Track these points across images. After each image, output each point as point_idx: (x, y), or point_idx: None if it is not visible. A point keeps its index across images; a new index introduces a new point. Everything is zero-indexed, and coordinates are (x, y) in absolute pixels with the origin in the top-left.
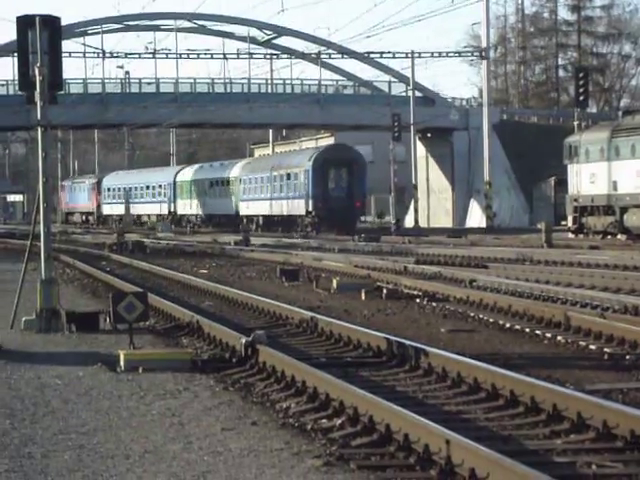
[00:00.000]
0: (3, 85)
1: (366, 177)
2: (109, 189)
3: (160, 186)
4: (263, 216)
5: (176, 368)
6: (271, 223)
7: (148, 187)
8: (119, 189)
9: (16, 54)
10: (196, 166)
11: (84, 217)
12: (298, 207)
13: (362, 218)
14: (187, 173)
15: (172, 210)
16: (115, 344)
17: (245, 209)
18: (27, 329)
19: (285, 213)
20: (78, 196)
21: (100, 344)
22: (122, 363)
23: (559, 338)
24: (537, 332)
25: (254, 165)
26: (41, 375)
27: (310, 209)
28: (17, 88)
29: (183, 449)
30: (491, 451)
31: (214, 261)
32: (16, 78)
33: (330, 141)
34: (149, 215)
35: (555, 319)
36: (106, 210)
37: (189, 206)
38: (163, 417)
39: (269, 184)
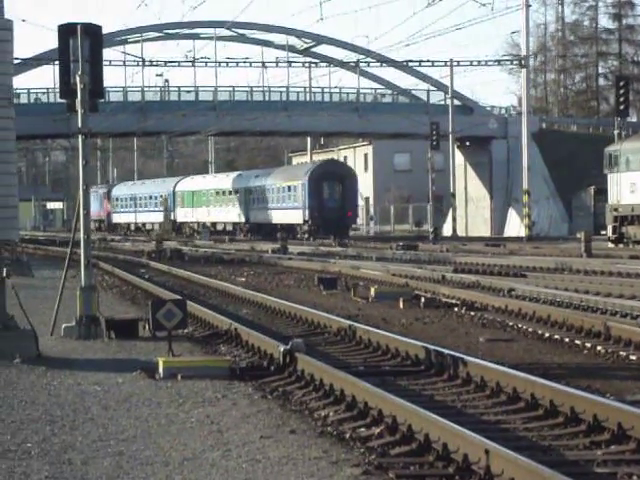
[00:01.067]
0: (44, 93)
1: (357, 189)
2: (117, 199)
3: (161, 196)
4: (264, 224)
5: (214, 376)
6: (272, 230)
7: (151, 197)
8: (126, 198)
9: (57, 62)
10: (197, 177)
11: (97, 225)
12: (296, 216)
13: (353, 225)
14: (185, 184)
15: (172, 218)
16: (154, 351)
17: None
18: (67, 336)
19: (285, 222)
20: (96, 205)
21: (139, 351)
22: (161, 370)
23: (599, 348)
24: (577, 342)
25: (259, 178)
26: (81, 382)
27: (307, 218)
28: (58, 96)
29: (222, 457)
30: (531, 461)
31: (252, 269)
32: (57, 86)
33: (369, 149)
34: (152, 223)
35: (595, 329)
36: (115, 218)
37: (190, 214)
38: (202, 424)
39: (271, 195)
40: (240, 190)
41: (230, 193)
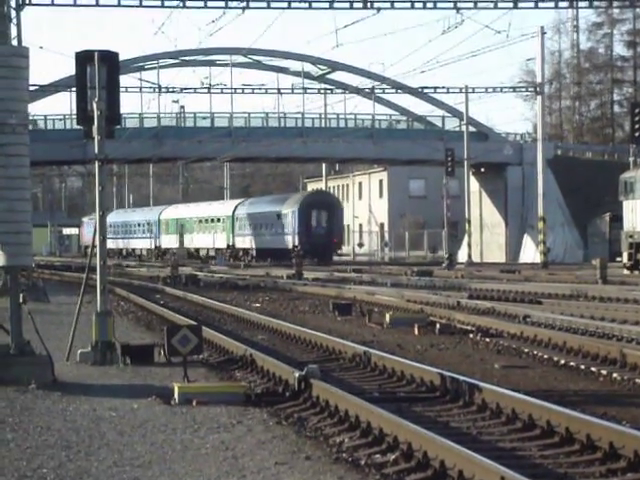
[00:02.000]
0: (61, 119)
1: (342, 218)
2: (110, 225)
3: (148, 223)
4: (256, 249)
5: (230, 401)
6: (263, 255)
7: (139, 224)
8: (118, 225)
9: (74, 89)
10: (180, 206)
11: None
12: (286, 242)
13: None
14: (170, 212)
15: (157, 245)
16: (169, 377)
17: (241, 243)
18: (82, 361)
19: (275, 247)
20: (91, 231)
21: (154, 377)
22: (176, 396)
23: (615, 375)
24: (592, 369)
25: (249, 206)
26: (96, 407)
27: (296, 243)
28: (74, 122)
29: None
30: None
31: (267, 294)
32: (73, 112)
33: (384, 175)
34: (141, 249)
35: (611, 356)
36: (109, 244)
37: (174, 241)
38: (217, 450)
39: (262, 222)
40: (224, 218)
41: (213, 221)
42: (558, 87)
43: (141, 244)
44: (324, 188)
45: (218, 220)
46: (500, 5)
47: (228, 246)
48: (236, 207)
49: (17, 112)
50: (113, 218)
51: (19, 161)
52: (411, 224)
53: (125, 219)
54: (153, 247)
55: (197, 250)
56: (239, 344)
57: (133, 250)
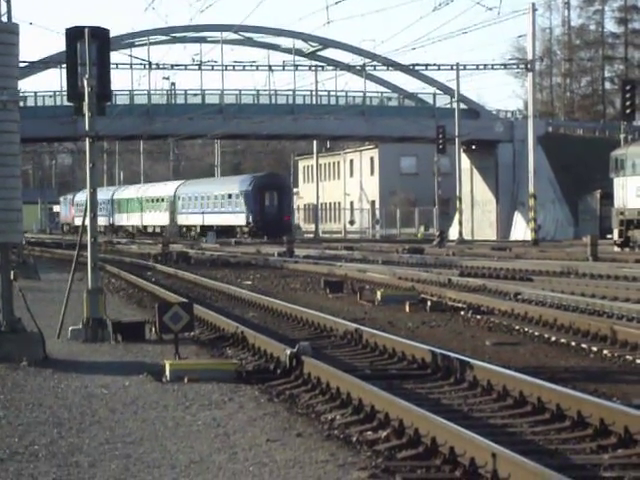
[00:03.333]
0: (51, 96)
1: (292, 198)
2: (77, 204)
3: (104, 202)
4: (212, 225)
5: (221, 379)
6: (218, 232)
7: (101, 203)
8: (83, 204)
9: (65, 65)
10: (131, 187)
11: (66, 228)
12: (238, 220)
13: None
14: (121, 193)
15: (111, 222)
16: (160, 354)
17: (184, 220)
18: (74, 338)
19: (228, 224)
20: (65, 210)
21: (146, 354)
22: (168, 373)
23: (605, 352)
24: (583, 346)
25: (193, 186)
26: (88, 384)
27: (250, 221)
28: (65, 99)
29: (229, 460)
30: (538, 465)
31: (258, 272)
32: (64, 89)
33: (375, 153)
34: (101, 226)
35: (601, 333)
36: (76, 222)
37: (125, 219)
38: (209, 427)
39: (217, 201)
40: (179, 196)
41: (159, 200)
42: (549, 64)
43: (101, 221)
44: (315, 165)
45: (162, 200)
46: None
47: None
48: (177, 188)
49: (7, 89)
50: (79, 197)
51: (9, 138)
52: (402, 201)
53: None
54: (108, 224)
55: (145, 227)
56: (230, 321)
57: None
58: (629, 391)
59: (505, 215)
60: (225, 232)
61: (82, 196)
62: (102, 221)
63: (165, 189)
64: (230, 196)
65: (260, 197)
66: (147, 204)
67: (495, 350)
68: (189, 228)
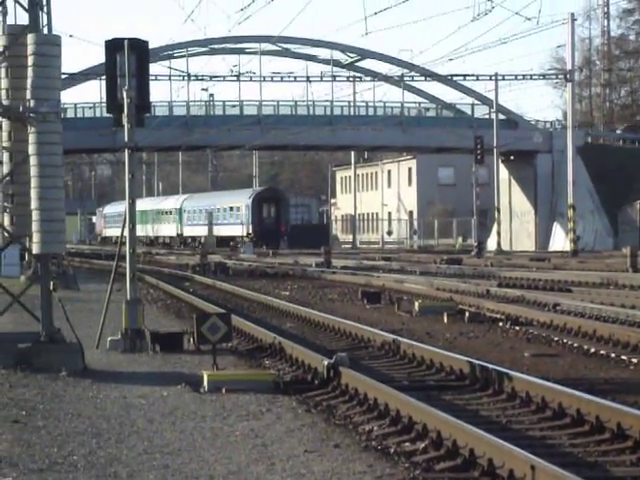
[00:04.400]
0: (91, 108)
1: (289, 210)
2: (105, 216)
3: (119, 214)
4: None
5: (259, 389)
6: (220, 242)
7: (120, 215)
8: (112, 215)
9: (104, 77)
10: (147, 199)
11: (99, 238)
12: (241, 230)
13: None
14: (140, 205)
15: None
16: (198, 364)
17: (190, 232)
18: (112, 349)
19: (231, 234)
20: (99, 222)
21: (184, 364)
22: (205, 384)
23: None
24: (623, 357)
25: (197, 200)
26: (126, 395)
27: (250, 231)
28: (104, 110)
29: (267, 471)
30: (577, 477)
31: (295, 283)
32: (103, 101)
33: (413, 163)
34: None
35: None
36: (105, 233)
37: (140, 230)
38: (246, 438)
39: (219, 214)
40: (185, 209)
41: (169, 213)
42: (588, 74)
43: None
44: (353, 176)
45: (170, 212)
46: None
47: (177, 235)
48: (183, 202)
49: (50, 100)
50: (108, 209)
51: (52, 149)
52: (440, 212)
53: (113, 210)
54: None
55: (157, 237)
56: (268, 332)
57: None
58: None
59: (544, 226)
60: (227, 242)
61: (110, 208)
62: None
63: (173, 202)
64: (232, 209)
65: (259, 209)
66: (158, 216)
67: (534, 361)
68: (194, 239)
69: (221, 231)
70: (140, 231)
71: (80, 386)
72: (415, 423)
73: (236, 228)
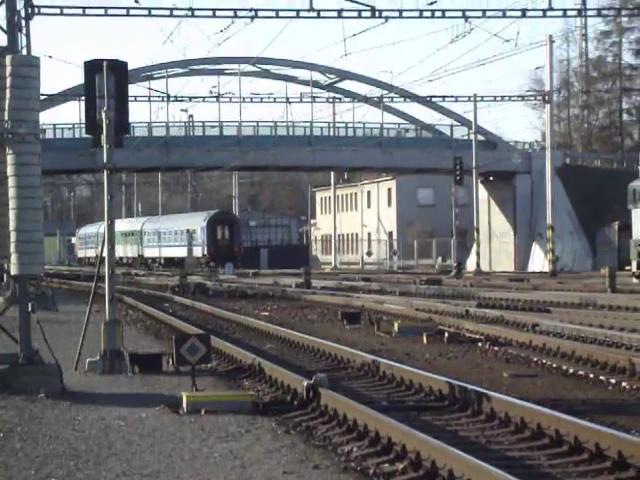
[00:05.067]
0: (70, 128)
1: (241, 232)
2: (79, 238)
3: (92, 236)
4: (173, 257)
5: (238, 410)
6: (173, 263)
7: (92, 236)
8: (86, 237)
9: (83, 98)
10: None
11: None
12: (197, 251)
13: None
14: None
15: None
16: (178, 386)
17: (149, 253)
18: (91, 370)
19: (184, 255)
20: (80, 244)
21: (163, 386)
22: (185, 405)
23: (624, 384)
24: (601, 378)
25: (167, 222)
26: (105, 416)
27: (205, 252)
28: (83, 131)
29: None
30: None
31: (275, 303)
32: (82, 121)
33: (392, 184)
34: (95, 256)
35: (620, 365)
36: (79, 254)
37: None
38: (225, 459)
39: (177, 236)
40: (145, 231)
41: (133, 234)
42: (566, 96)
43: (92, 253)
44: (332, 196)
45: (132, 234)
46: (508, 14)
47: (139, 255)
48: (143, 224)
49: (29, 122)
50: (83, 231)
51: (30, 170)
52: (419, 233)
53: (88, 232)
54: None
55: (120, 258)
56: (247, 353)
57: (88, 259)
58: None
59: (523, 246)
60: (182, 263)
61: (85, 230)
62: (93, 253)
63: (135, 224)
64: (188, 231)
65: (213, 231)
66: (122, 238)
67: (513, 382)
68: (154, 260)
69: (179, 252)
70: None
71: (58, 408)
72: (394, 444)
73: (194, 250)
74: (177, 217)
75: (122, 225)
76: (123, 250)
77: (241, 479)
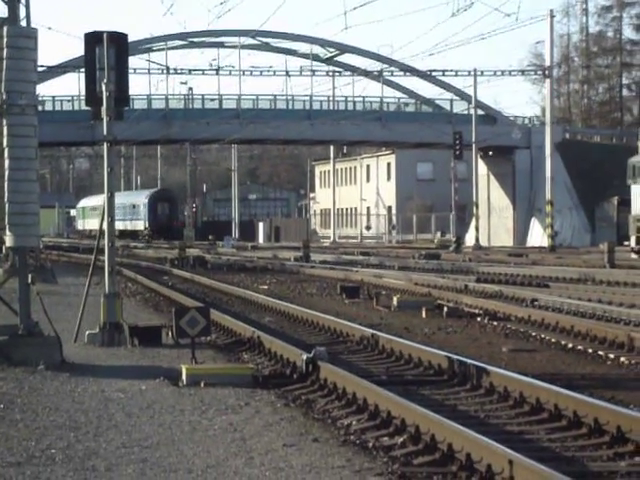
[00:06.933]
0: (69, 101)
1: (178, 207)
2: (78, 210)
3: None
4: (119, 230)
5: (237, 383)
6: (122, 235)
7: (85, 209)
8: (81, 209)
9: (83, 70)
10: (92, 197)
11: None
12: (139, 225)
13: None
14: (83, 202)
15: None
16: (177, 358)
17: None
18: (90, 343)
19: (131, 228)
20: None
21: (162, 358)
22: (184, 377)
23: (622, 359)
24: (600, 353)
25: (118, 198)
26: (104, 388)
27: (147, 226)
28: (83, 103)
29: (245, 464)
30: (554, 472)
31: (274, 277)
32: (82, 93)
33: (392, 158)
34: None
35: (618, 340)
36: (79, 226)
37: (82, 224)
38: (225, 432)
39: (123, 210)
40: (96, 207)
41: (96, 209)
42: (567, 70)
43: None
44: (332, 170)
45: (95, 209)
46: None
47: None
48: (81, 200)
49: (25, 93)
50: (82, 204)
51: (25, 142)
52: (419, 207)
53: (84, 204)
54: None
55: (90, 231)
56: (247, 326)
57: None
58: None
59: (522, 221)
60: (129, 235)
61: (82, 202)
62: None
63: (97, 200)
64: (133, 206)
65: (154, 207)
66: (89, 212)
67: (512, 357)
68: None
69: (127, 226)
70: (83, 225)
71: (58, 380)
72: (393, 418)
73: (138, 223)
74: (125, 194)
75: (93, 201)
76: (89, 223)
77: (241, 451)
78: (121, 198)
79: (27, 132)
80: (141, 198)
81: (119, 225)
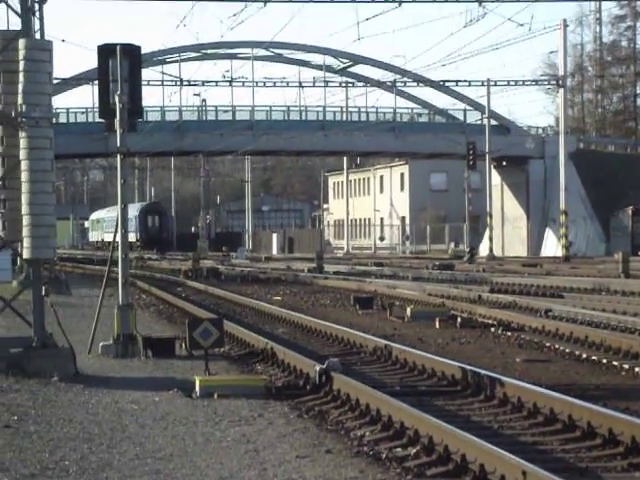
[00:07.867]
0: (83, 113)
1: (169, 221)
2: (92, 222)
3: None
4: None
5: (251, 395)
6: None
7: (97, 221)
8: (94, 221)
9: (97, 82)
10: (100, 211)
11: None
12: (131, 237)
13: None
14: (96, 215)
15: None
16: (190, 370)
17: (96, 237)
18: (104, 354)
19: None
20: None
21: (176, 370)
22: (197, 389)
23: (637, 369)
24: (614, 363)
25: (111, 212)
26: (118, 400)
27: (138, 238)
28: (96, 115)
29: (258, 476)
30: None
31: (288, 288)
32: (95, 106)
33: (405, 169)
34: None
35: (633, 350)
36: (91, 238)
37: (95, 236)
38: (238, 443)
39: (112, 224)
40: (100, 220)
41: (99, 222)
42: (580, 80)
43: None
44: (345, 181)
45: (98, 222)
46: None
47: (101, 240)
48: (106, 213)
49: (41, 105)
50: (94, 216)
51: (41, 154)
52: (432, 218)
53: (96, 217)
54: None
55: (96, 242)
56: (260, 337)
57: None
58: None
59: (536, 231)
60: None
61: (94, 215)
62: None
63: (102, 213)
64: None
65: (145, 220)
66: (95, 225)
67: (525, 367)
68: (110, 244)
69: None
70: (91, 237)
71: (72, 391)
72: (407, 429)
73: (129, 235)
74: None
75: (101, 214)
76: (95, 235)
77: (254, 463)
78: (114, 212)
79: (43, 144)
80: (132, 211)
81: (110, 237)
